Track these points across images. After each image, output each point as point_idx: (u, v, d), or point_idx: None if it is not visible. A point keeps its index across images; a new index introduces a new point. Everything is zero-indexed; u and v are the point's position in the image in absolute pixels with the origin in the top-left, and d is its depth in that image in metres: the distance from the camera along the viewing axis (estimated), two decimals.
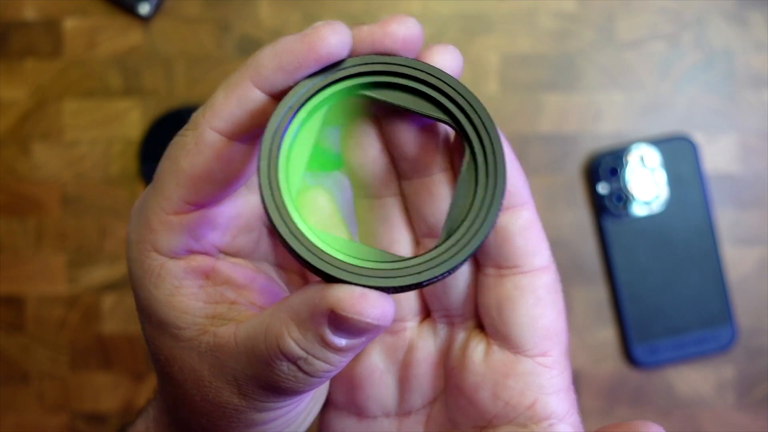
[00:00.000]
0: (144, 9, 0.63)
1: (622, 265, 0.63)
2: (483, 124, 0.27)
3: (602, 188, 0.62)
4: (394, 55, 0.29)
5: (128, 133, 0.64)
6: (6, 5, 0.64)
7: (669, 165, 0.62)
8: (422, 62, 0.29)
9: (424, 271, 0.26)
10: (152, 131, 0.63)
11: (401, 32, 0.29)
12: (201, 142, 0.28)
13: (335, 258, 0.26)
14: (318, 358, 0.26)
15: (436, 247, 0.27)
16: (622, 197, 0.62)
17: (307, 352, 0.26)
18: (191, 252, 0.29)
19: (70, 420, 0.65)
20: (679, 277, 0.63)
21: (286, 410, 0.29)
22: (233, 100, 0.28)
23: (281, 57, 0.28)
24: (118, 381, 0.65)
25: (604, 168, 0.62)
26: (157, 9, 0.63)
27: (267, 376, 0.27)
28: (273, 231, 0.27)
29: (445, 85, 0.28)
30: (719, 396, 0.64)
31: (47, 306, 0.64)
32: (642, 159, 0.62)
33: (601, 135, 0.64)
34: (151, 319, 0.29)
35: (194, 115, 0.29)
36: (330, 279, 0.26)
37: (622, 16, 0.63)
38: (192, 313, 0.28)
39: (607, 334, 0.64)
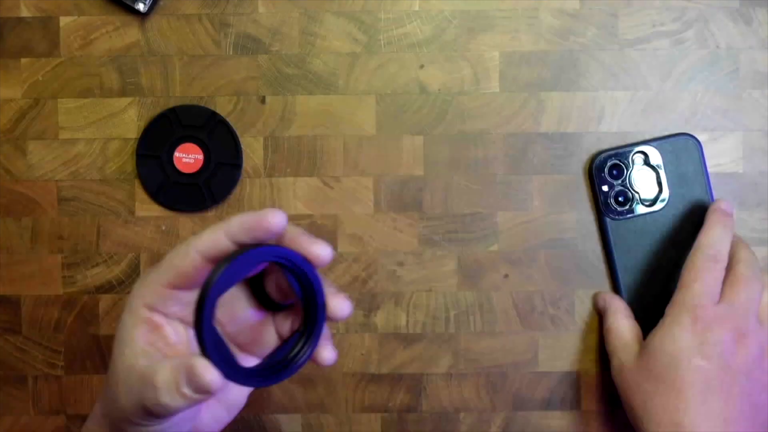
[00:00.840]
0: (140, 6, 0.62)
1: (625, 265, 0.62)
2: (316, 313, 0.46)
3: (605, 188, 0.62)
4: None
5: (125, 131, 0.63)
6: (1, 3, 0.63)
7: (672, 163, 0.62)
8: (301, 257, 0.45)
9: (246, 380, 0.45)
10: (149, 130, 0.63)
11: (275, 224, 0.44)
12: (188, 255, 0.44)
13: (213, 350, 0.43)
14: (169, 395, 0.43)
15: (262, 369, 0.46)
16: (626, 197, 0.62)
17: (165, 387, 0.43)
18: (156, 310, 0.46)
19: (66, 423, 0.64)
20: (666, 277, 0.62)
21: (160, 428, 0.45)
22: (210, 240, 0.44)
23: (244, 223, 0.44)
24: None
25: (607, 167, 0.62)
26: (153, 6, 0.63)
27: (142, 396, 0.43)
28: (195, 324, 0.43)
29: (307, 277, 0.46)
30: None
31: (43, 307, 0.64)
32: (645, 158, 0.62)
33: (604, 134, 0.63)
34: (116, 338, 0.46)
35: (190, 238, 0.45)
36: (203, 353, 0.42)
37: (625, 13, 0.63)
38: (134, 345, 0.45)
39: None
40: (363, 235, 0.63)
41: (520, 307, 0.64)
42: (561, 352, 0.64)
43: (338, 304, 0.45)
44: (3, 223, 0.64)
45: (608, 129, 0.63)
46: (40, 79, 0.63)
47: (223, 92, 0.63)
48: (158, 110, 0.63)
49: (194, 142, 0.63)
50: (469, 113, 0.63)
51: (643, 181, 0.62)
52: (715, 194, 0.62)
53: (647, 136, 0.63)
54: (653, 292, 0.62)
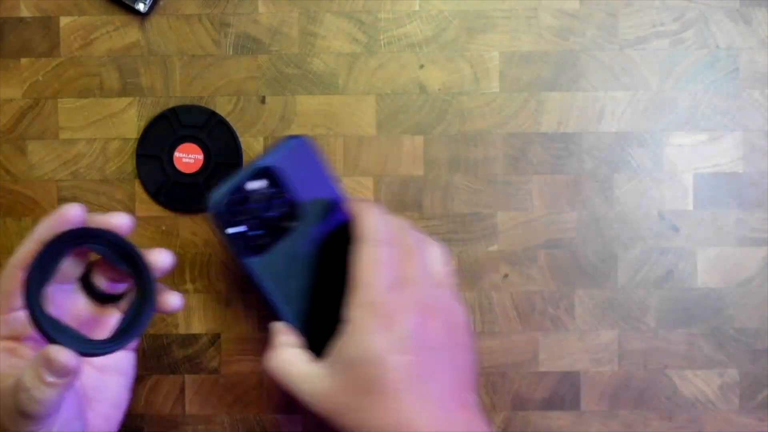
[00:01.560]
0: (141, 6, 0.62)
1: (286, 296, 0.53)
2: (142, 273, 0.50)
3: (234, 230, 0.52)
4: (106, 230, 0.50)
5: (125, 131, 0.63)
6: (1, 3, 0.63)
7: (293, 173, 0.53)
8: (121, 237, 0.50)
9: (98, 350, 0.48)
10: (149, 130, 0.63)
11: (113, 221, 0.51)
12: (10, 274, 0.49)
13: (58, 334, 0.47)
14: (38, 389, 0.46)
15: (110, 338, 0.50)
16: (260, 229, 0.53)
17: (32, 384, 0.46)
18: (4, 338, 0.50)
19: None
20: (330, 289, 0.54)
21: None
22: (23, 252, 0.49)
23: (46, 224, 0.49)
24: None
25: (228, 209, 0.52)
26: (153, 6, 0.63)
27: (18, 404, 0.46)
28: (31, 321, 0.47)
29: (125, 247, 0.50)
30: (723, 399, 0.63)
31: None
32: (264, 179, 0.53)
33: (604, 134, 0.63)
34: None
35: (7, 262, 0.49)
36: (51, 342, 0.46)
37: (624, 13, 0.63)
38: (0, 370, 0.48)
39: (609, 336, 0.63)
40: None
41: (520, 307, 0.64)
42: (561, 352, 0.64)
43: (159, 256, 0.51)
44: (3, 223, 0.64)
45: (608, 129, 0.63)
46: (40, 79, 0.63)
47: (223, 92, 0.63)
48: (158, 110, 0.63)
49: (194, 142, 0.63)
50: (469, 113, 0.63)
51: (270, 204, 0.53)
52: (336, 184, 0.55)
53: (647, 136, 0.63)
54: (327, 307, 0.54)
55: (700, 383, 0.64)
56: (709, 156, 0.63)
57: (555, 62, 0.63)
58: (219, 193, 0.51)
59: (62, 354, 0.46)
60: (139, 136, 0.63)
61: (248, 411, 0.64)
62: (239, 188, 0.52)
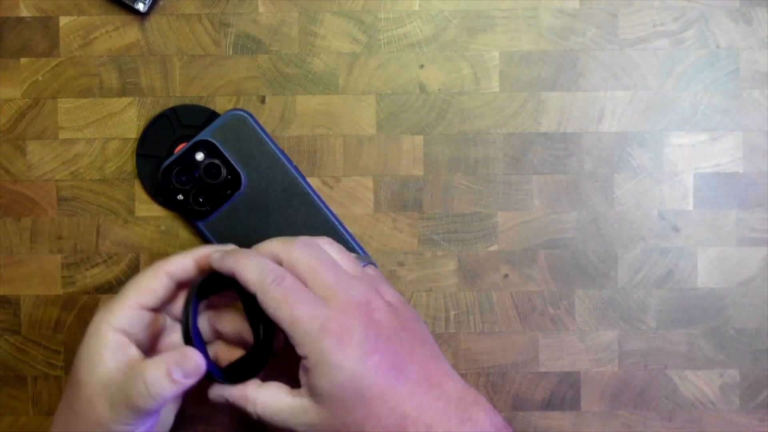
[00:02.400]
0: (140, 6, 0.62)
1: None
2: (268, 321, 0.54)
3: (181, 196, 0.60)
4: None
5: (124, 131, 0.63)
6: (1, 2, 0.63)
7: (233, 144, 0.60)
8: None
9: (220, 376, 0.53)
10: (148, 129, 0.63)
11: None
12: (158, 276, 0.53)
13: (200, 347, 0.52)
14: (160, 384, 0.49)
15: (230, 369, 0.54)
16: (205, 195, 0.60)
17: (156, 379, 0.49)
18: (122, 332, 0.52)
19: None
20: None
21: (136, 428, 0.50)
22: (180, 263, 0.54)
23: (210, 257, 0.54)
24: None
25: (174, 177, 0.60)
26: (153, 6, 0.63)
27: (130, 393, 0.49)
28: (185, 330, 0.52)
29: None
30: (724, 399, 0.63)
31: (42, 307, 0.64)
32: (205, 151, 0.60)
33: (604, 134, 0.63)
34: (80, 362, 0.51)
35: (158, 262, 0.53)
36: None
37: (625, 13, 0.63)
38: (106, 364, 0.50)
39: (609, 336, 0.63)
40: (363, 235, 0.63)
41: (520, 307, 0.64)
42: (561, 352, 0.64)
43: None
44: (2, 223, 0.64)
45: (608, 129, 0.63)
46: (40, 78, 0.63)
47: (222, 92, 0.63)
48: (158, 110, 0.63)
49: None
50: (469, 113, 0.63)
51: (214, 172, 0.60)
52: (286, 155, 0.61)
53: (647, 137, 0.63)
54: None
55: (700, 383, 0.64)
56: (710, 156, 0.63)
57: (555, 62, 0.63)
58: (166, 165, 0.60)
59: (198, 357, 0.50)
60: (139, 136, 0.63)
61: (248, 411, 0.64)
62: (184, 160, 0.60)
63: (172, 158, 0.60)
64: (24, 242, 0.64)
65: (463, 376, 0.63)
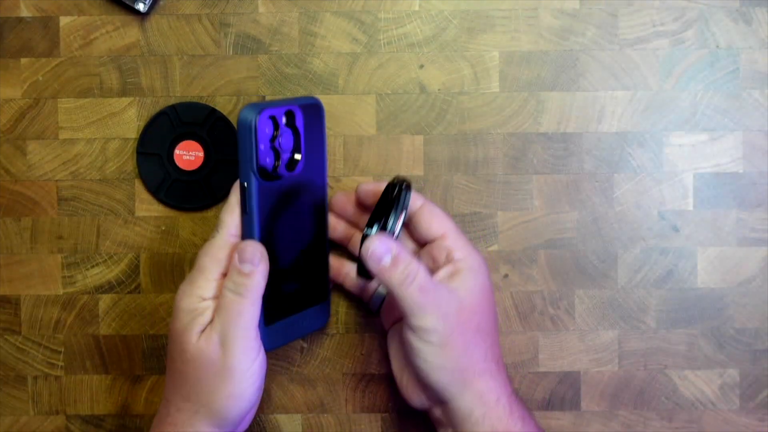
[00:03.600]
0: (140, 6, 0.62)
1: (267, 235, 0.55)
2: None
3: (263, 147, 0.54)
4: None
5: (124, 131, 0.63)
6: (1, 3, 0.63)
7: (308, 127, 0.57)
8: None
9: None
10: (149, 127, 0.63)
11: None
12: (226, 241, 0.56)
13: None
14: (233, 282, 0.53)
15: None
16: (276, 157, 0.55)
17: (229, 278, 0.53)
18: (214, 298, 0.55)
19: (65, 423, 0.64)
20: (304, 248, 0.58)
21: (247, 373, 0.54)
22: (233, 217, 0.56)
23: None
24: (114, 383, 0.64)
25: (267, 125, 0.54)
26: (153, 6, 0.63)
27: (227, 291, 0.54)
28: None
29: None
30: (723, 399, 0.63)
31: (42, 307, 0.64)
32: (290, 119, 0.56)
33: (604, 134, 0.63)
34: (181, 337, 0.55)
35: (214, 231, 0.56)
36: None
37: (624, 13, 0.63)
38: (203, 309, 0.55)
39: (609, 336, 0.63)
40: None
41: (520, 307, 0.64)
42: (561, 352, 0.64)
43: None
44: (3, 223, 0.64)
45: (608, 129, 0.63)
46: (40, 78, 0.63)
47: (223, 92, 0.63)
48: (158, 110, 0.63)
49: (194, 140, 0.63)
50: (469, 113, 0.63)
51: (288, 142, 0.56)
52: (327, 163, 0.59)
53: (647, 136, 0.63)
54: (282, 268, 0.57)
55: (700, 383, 0.64)
56: (710, 156, 0.63)
57: (555, 62, 0.63)
58: (261, 107, 0.53)
59: (254, 246, 0.53)
60: (139, 136, 0.63)
61: None
62: (276, 114, 0.54)
63: (272, 104, 0.54)
64: (24, 242, 0.64)
65: None
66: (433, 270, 0.56)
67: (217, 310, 0.54)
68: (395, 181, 0.56)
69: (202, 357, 0.53)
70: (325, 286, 0.61)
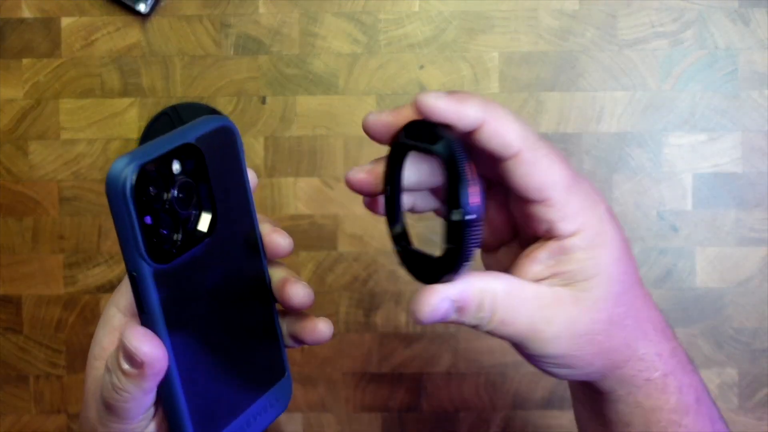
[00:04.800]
0: (142, 7, 0.62)
1: (177, 333, 0.37)
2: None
3: (150, 219, 0.36)
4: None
5: (125, 131, 0.64)
6: (3, 3, 0.63)
7: (216, 165, 0.39)
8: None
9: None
10: (150, 129, 0.63)
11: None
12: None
13: None
14: (116, 376, 0.37)
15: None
16: (171, 228, 0.37)
17: (111, 369, 0.37)
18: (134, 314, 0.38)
19: (67, 422, 0.64)
20: (243, 321, 0.40)
21: None
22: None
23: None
24: None
25: (143, 185, 0.35)
26: (154, 7, 0.63)
27: (102, 391, 0.38)
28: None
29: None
30: (722, 398, 0.64)
31: (44, 307, 0.64)
32: (183, 164, 0.37)
33: (603, 134, 0.63)
34: (89, 357, 0.41)
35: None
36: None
37: (624, 14, 0.63)
38: (108, 352, 0.39)
39: None
40: (363, 235, 0.63)
41: None
42: None
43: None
44: (4, 223, 0.64)
45: (607, 129, 0.63)
46: (42, 79, 0.64)
47: (223, 92, 0.63)
48: (159, 110, 0.63)
49: None
50: None
51: (188, 198, 0.38)
52: (252, 199, 0.41)
53: (646, 137, 0.63)
54: (208, 365, 0.39)
55: None
56: (708, 156, 0.63)
57: (554, 63, 0.63)
58: (134, 160, 0.35)
59: (138, 340, 0.36)
60: (140, 136, 0.63)
61: None
62: (159, 162, 0.36)
63: (149, 153, 0.36)
64: (26, 242, 0.64)
65: (463, 375, 0.63)
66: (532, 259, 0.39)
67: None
68: (439, 132, 0.37)
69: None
70: (280, 357, 0.42)
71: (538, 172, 0.38)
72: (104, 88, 0.63)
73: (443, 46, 0.63)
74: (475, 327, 0.38)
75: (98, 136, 0.64)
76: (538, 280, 0.38)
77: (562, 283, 0.38)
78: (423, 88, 0.63)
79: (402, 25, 0.63)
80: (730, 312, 0.64)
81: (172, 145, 0.37)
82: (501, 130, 0.38)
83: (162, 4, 0.63)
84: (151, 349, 0.36)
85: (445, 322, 0.37)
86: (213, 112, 0.63)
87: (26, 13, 0.63)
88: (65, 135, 0.64)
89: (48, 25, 0.63)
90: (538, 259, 0.38)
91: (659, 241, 0.63)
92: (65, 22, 0.63)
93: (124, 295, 0.40)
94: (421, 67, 0.63)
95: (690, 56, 0.63)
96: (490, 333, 0.38)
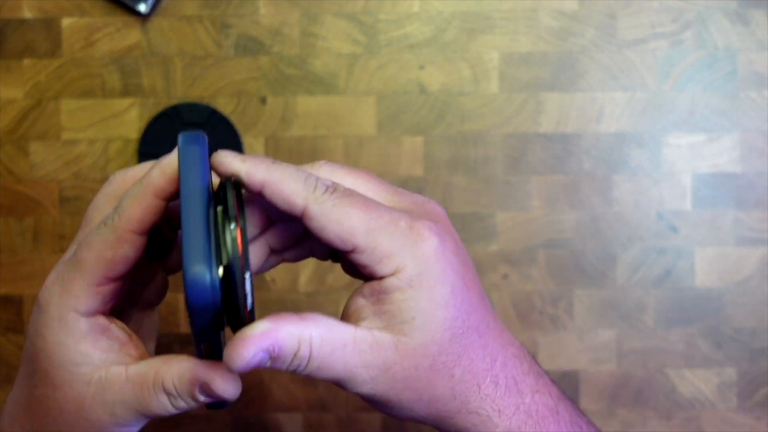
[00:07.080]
0: (142, 7, 0.62)
1: None
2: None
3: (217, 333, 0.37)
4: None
5: (126, 132, 0.64)
6: (3, 4, 0.63)
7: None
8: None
9: None
10: (150, 130, 0.63)
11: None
12: (121, 238, 0.38)
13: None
14: (183, 401, 0.38)
15: None
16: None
17: (177, 396, 0.38)
18: (97, 313, 0.39)
19: None
20: None
21: (135, 428, 0.41)
22: (141, 208, 0.38)
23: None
24: None
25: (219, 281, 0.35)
26: (155, 7, 0.63)
27: (145, 402, 0.38)
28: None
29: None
30: (721, 398, 0.64)
31: None
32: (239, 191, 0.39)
33: (603, 134, 0.63)
34: (50, 358, 0.39)
35: (108, 216, 0.39)
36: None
37: (623, 14, 0.63)
38: (92, 356, 0.39)
39: (608, 335, 0.64)
40: None
41: (519, 307, 0.64)
42: (561, 351, 0.64)
43: None
44: (5, 223, 0.64)
45: (607, 129, 0.63)
46: (42, 79, 0.64)
47: (224, 93, 0.63)
48: (160, 111, 0.63)
49: None
50: (469, 114, 0.63)
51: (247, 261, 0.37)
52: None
53: (646, 137, 0.63)
54: None
55: (698, 382, 0.64)
56: (708, 156, 0.63)
57: (554, 63, 0.63)
58: (199, 256, 0.33)
59: (228, 386, 0.38)
60: (140, 137, 0.63)
61: (248, 410, 0.64)
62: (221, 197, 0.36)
63: (205, 228, 0.35)
64: (26, 242, 0.64)
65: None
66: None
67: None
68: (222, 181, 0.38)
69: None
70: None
71: (331, 223, 0.37)
72: (105, 89, 0.64)
73: (443, 46, 0.63)
74: (292, 372, 0.38)
75: (99, 136, 0.64)
76: (361, 319, 0.38)
77: (383, 325, 0.38)
78: (423, 88, 0.63)
79: (402, 25, 0.63)
80: (729, 312, 0.64)
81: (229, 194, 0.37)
82: (280, 190, 0.38)
83: (162, 4, 0.64)
84: (236, 392, 0.38)
85: (260, 368, 0.37)
86: (213, 111, 0.63)
87: (27, 14, 0.64)
88: (66, 135, 0.64)
89: (49, 25, 0.64)
90: (363, 294, 0.38)
91: (658, 241, 0.64)
92: (66, 22, 0.64)
93: (78, 295, 0.38)
94: (422, 67, 0.63)
95: (689, 56, 0.63)
96: (308, 377, 0.39)
